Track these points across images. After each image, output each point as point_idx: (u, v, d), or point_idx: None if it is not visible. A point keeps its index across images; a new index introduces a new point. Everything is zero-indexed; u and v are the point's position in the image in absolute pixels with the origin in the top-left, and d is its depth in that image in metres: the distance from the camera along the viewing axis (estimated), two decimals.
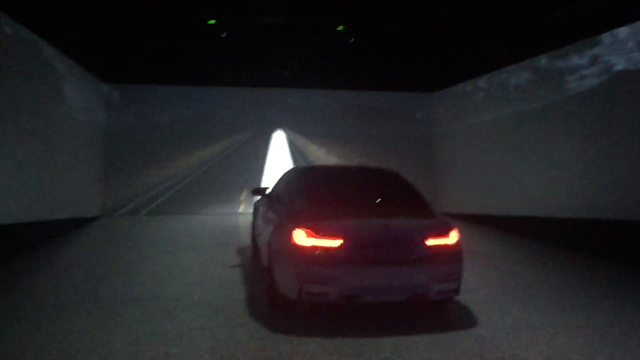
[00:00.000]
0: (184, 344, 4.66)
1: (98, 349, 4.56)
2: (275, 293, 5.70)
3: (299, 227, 5.23)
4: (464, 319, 5.55)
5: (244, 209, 14.45)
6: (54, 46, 10.51)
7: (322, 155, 15.38)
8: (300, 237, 5.16)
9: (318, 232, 5.13)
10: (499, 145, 12.57)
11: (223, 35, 12.75)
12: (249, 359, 4.39)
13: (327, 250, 5.08)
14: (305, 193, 6.04)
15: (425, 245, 5.24)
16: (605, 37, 9.59)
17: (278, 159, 14.95)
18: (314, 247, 5.10)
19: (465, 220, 12.51)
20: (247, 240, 9.52)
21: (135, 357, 4.37)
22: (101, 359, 4.35)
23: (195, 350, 4.50)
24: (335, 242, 5.09)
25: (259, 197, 8.20)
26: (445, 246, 5.32)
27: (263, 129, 15.26)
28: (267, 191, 7.65)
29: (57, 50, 10.73)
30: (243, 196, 14.66)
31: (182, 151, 14.81)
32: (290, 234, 5.26)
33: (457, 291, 5.41)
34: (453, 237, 5.39)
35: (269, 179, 14.37)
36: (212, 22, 12.27)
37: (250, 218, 9.00)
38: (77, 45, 11.59)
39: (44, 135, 10.17)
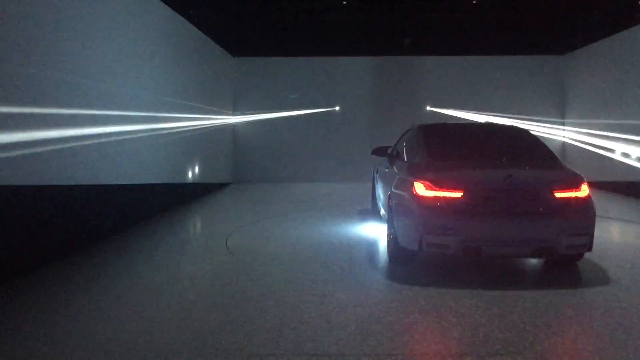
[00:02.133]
0: (319, 291, 4.86)
1: (245, 292, 4.98)
2: (396, 247, 5.76)
3: (419, 179, 5.27)
4: (595, 277, 5.30)
5: None
6: (193, 24, 11.37)
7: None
8: (421, 189, 5.19)
9: (439, 183, 5.13)
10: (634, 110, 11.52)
11: (344, 3, 12.86)
12: (376, 302, 4.58)
13: (448, 201, 5.07)
14: (427, 147, 6.02)
15: (554, 197, 5.04)
16: None
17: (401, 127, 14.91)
18: (435, 198, 5.11)
19: (597, 187, 11.72)
20: (367, 201, 9.71)
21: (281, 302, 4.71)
22: (245, 297, 4.75)
23: (328, 296, 4.69)
24: (457, 193, 5.06)
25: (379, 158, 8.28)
26: (576, 199, 5.09)
27: (387, 97, 15.31)
28: (389, 150, 7.70)
29: (194, 27, 11.57)
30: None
31: (302, 121, 15.30)
32: (412, 186, 5.31)
33: (588, 247, 5.15)
34: (584, 190, 5.13)
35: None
36: None
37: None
38: (210, 20, 12.33)
39: (191, 110, 11.24)
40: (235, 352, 3.45)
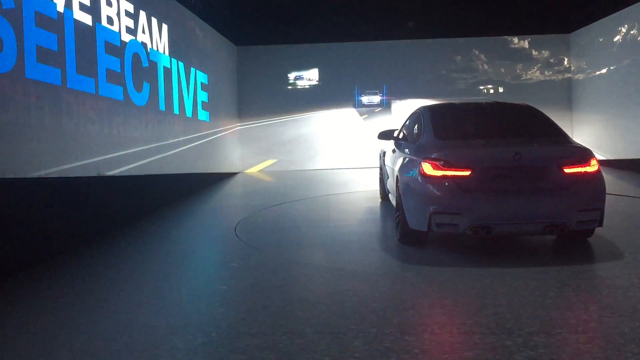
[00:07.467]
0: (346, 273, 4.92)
1: (248, 275, 5.01)
2: (405, 228, 5.72)
3: (427, 159, 5.23)
4: (608, 252, 5.26)
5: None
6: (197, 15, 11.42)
7: None
8: (429, 169, 5.16)
9: (446, 163, 5.10)
10: None
11: None
12: (388, 280, 4.61)
13: (456, 180, 5.03)
14: (434, 127, 5.97)
15: (563, 172, 5.00)
16: None
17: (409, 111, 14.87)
18: (443, 178, 5.07)
19: (606, 165, 11.65)
20: (374, 187, 9.70)
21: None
22: (255, 280, 4.79)
23: (342, 275, 4.75)
24: (465, 172, 5.02)
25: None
26: (586, 174, 5.04)
27: (393, 83, 15.27)
28: (395, 133, 7.64)
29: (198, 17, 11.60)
30: None
31: (307, 108, 15.32)
32: (419, 167, 5.28)
33: (599, 222, 5.11)
34: (593, 165, 5.09)
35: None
36: None
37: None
38: (212, 11, 12.30)
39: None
40: None
